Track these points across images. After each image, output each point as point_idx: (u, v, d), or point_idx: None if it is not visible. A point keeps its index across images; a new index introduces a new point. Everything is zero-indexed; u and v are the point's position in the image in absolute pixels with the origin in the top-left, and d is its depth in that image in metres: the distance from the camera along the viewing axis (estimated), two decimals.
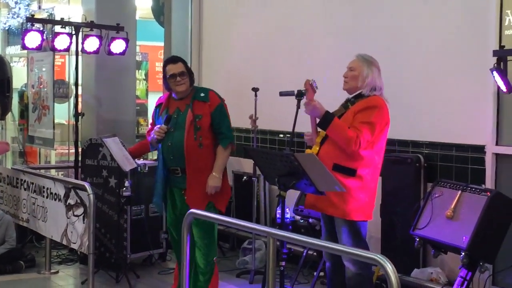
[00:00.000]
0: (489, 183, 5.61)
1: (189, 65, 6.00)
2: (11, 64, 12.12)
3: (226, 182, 5.89)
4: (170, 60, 5.96)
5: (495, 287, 5.55)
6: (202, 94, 5.82)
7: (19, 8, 12.24)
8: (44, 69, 9.23)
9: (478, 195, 5.12)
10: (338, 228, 5.04)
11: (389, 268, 3.38)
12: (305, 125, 5.14)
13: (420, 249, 5.89)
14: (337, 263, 5.11)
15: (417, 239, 5.42)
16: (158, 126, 5.86)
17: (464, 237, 5.01)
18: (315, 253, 6.69)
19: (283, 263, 4.67)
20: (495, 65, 5.15)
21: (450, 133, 5.97)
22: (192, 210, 4.98)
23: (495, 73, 5.15)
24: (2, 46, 13.29)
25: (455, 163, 5.91)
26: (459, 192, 5.23)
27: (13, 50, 12.88)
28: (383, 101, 5.06)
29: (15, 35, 12.02)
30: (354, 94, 5.10)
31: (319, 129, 5.11)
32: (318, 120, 5.04)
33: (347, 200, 4.93)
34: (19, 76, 11.94)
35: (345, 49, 6.56)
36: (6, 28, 12.79)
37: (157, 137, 5.82)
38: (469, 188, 5.21)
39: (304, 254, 6.71)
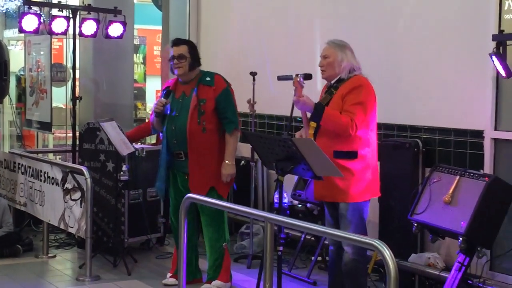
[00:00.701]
0: (488, 168, 5.59)
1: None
2: (9, 48, 12.09)
3: None
4: (173, 42, 5.99)
5: (492, 272, 5.54)
6: (208, 78, 5.82)
7: None
8: (42, 53, 9.19)
9: (476, 180, 5.11)
10: (342, 212, 5.05)
11: (387, 253, 3.38)
12: None
13: (418, 234, 5.87)
14: (340, 247, 5.15)
15: (415, 224, 5.42)
16: (158, 100, 5.90)
17: (462, 223, 5.01)
18: (312, 238, 6.68)
19: (281, 248, 4.67)
20: (494, 49, 5.13)
21: (449, 118, 5.95)
22: (189, 194, 4.98)
23: (494, 57, 5.12)
24: (0, 30, 13.23)
25: (454, 148, 5.89)
26: (457, 177, 5.22)
27: (11, 33, 12.82)
28: (366, 79, 5.11)
29: (13, 18, 11.95)
30: (335, 80, 5.12)
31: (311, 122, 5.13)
32: (309, 115, 5.05)
33: (352, 184, 4.99)
34: (17, 60, 11.90)
35: (343, 33, 6.51)
36: (4, 11, 12.73)
37: (155, 111, 5.85)
38: (467, 173, 5.20)
39: (302, 239, 6.71)
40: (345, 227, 5.02)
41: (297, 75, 5.05)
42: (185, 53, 5.85)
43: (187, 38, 8.70)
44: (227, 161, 5.82)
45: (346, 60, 5.10)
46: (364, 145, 5.02)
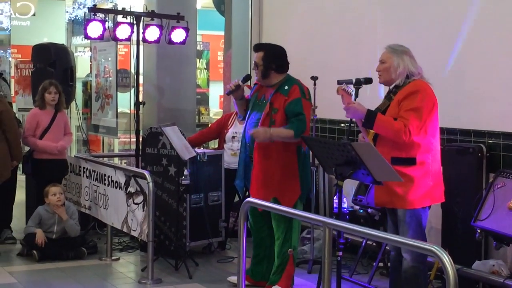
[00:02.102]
0: None
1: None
2: (76, 54, 12.38)
3: (296, 179, 5.82)
4: (253, 48, 6.11)
5: None
6: (285, 87, 5.80)
7: None
8: (109, 59, 9.37)
9: None
10: (400, 218, 5.00)
11: (446, 259, 3.33)
12: None
13: (482, 241, 5.76)
14: (401, 253, 5.09)
15: (479, 231, 5.33)
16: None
17: None
18: (374, 244, 6.62)
19: (340, 253, 4.63)
20: None
21: None
22: (249, 198, 5.00)
23: None
24: (68, 36, 13.54)
25: None
26: None
27: (79, 40, 13.12)
28: (425, 83, 5.03)
29: (80, 25, 12.21)
30: (394, 85, 5.06)
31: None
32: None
33: (411, 189, 4.93)
34: (84, 66, 12.17)
35: (404, 37, 6.45)
36: (72, 19, 13.03)
37: (228, 88, 5.99)
38: None
39: (363, 244, 6.65)
40: (403, 233, 4.96)
41: (339, 82, 5.06)
42: (258, 61, 5.87)
43: (249, 43, 8.75)
44: (270, 129, 5.70)
45: (403, 66, 5.02)
46: (423, 151, 4.93)
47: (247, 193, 6.15)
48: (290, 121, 5.72)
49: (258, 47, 6.04)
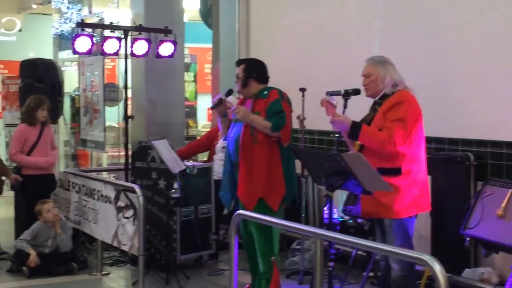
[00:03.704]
0: None
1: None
2: (64, 69, 12.36)
3: (280, 179, 5.87)
4: (236, 63, 6.21)
5: None
6: (265, 92, 5.93)
7: (71, 13, 12.46)
8: (96, 73, 9.37)
9: None
10: (387, 228, 5.04)
11: (437, 268, 3.35)
12: None
13: (471, 249, 5.80)
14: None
15: (468, 239, 5.34)
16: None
17: None
18: (364, 253, 6.64)
19: (331, 264, 4.65)
20: None
21: (500, 130, 5.86)
22: (240, 211, 5.01)
23: None
24: (55, 51, 13.53)
25: (506, 161, 5.80)
26: (510, 190, 5.12)
27: (66, 54, 13.11)
28: (409, 94, 5.08)
29: (67, 40, 12.21)
30: (380, 96, 5.11)
31: None
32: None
33: (396, 199, 4.96)
34: (71, 81, 12.15)
35: (393, 47, 6.51)
36: (59, 33, 13.02)
37: (212, 103, 6.19)
38: None
39: (353, 254, 6.66)
40: (390, 243, 4.98)
41: (327, 93, 5.11)
42: (239, 73, 5.99)
43: (237, 56, 8.78)
44: (253, 114, 5.80)
45: (389, 76, 5.09)
46: (409, 161, 4.97)
47: (236, 205, 6.16)
48: (270, 118, 5.79)
49: (240, 62, 6.21)
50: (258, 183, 5.84)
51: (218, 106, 6.12)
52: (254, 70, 6.00)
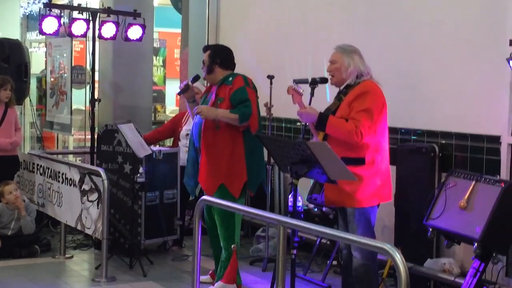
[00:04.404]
0: (504, 173, 5.55)
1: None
2: (31, 50, 12.22)
3: (242, 166, 5.87)
4: (202, 48, 6.20)
5: (508, 279, 5.50)
6: (230, 79, 5.93)
7: None
8: (65, 55, 9.28)
9: (492, 185, 5.06)
10: (350, 217, 5.06)
11: (398, 258, 3.38)
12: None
13: (434, 239, 5.85)
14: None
15: (430, 229, 5.39)
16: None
17: (477, 228, 4.96)
18: (328, 242, 6.67)
19: (295, 252, 4.66)
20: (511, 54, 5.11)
21: (465, 123, 5.92)
22: (204, 197, 5.01)
23: (511, 62, 5.09)
24: (23, 32, 13.36)
25: (470, 153, 5.86)
26: (473, 182, 5.17)
27: (33, 35, 12.95)
28: (374, 84, 5.09)
29: (35, 21, 12.07)
30: (344, 85, 5.11)
31: None
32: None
33: (359, 188, 4.98)
34: (38, 62, 12.02)
35: (361, 38, 6.51)
36: (27, 14, 12.86)
37: (179, 89, 6.20)
38: (483, 179, 5.15)
39: (318, 242, 6.70)
40: (352, 232, 5.01)
41: (295, 81, 5.12)
42: (205, 59, 5.99)
43: (206, 41, 8.75)
44: (216, 109, 5.79)
45: (353, 65, 5.08)
46: (372, 151, 5.00)
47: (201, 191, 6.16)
48: (236, 107, 5.78)
49: (206, 48, 6.21)
50: (219, 169, 5.84)
51: (185, 91, 6.13)
52: (219, 56, 5.99)
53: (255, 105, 5.86)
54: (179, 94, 6.34)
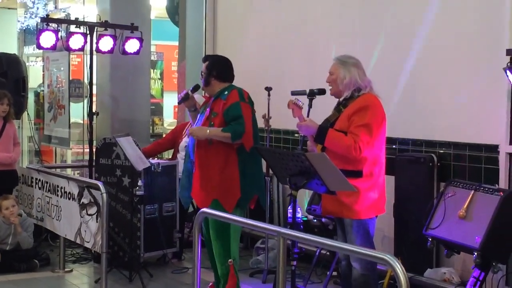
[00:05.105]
0: (503, 183, 5.56)
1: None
2: (28, 64, 12.24)
3: (235, 182, 5.80)
4: (202, 59, 6.18)
5: None
6: (225, 92, 5.86)
7: (37, 8, 12.34)
8: (62, 69, 9.30)
9: (491, 195, 5.07)
10: (348, 228, 5.06)
11: (398, 268, 3.37)
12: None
13: (433, 249, 5.86)
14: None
15: (430, 239, 5.39)
16: None
17: (476, 237, 4.97)
18: (328, 253, 6.67)
19: (294, 263, 4.67)
20: (509, 64, 5.12)
21: (464, 132, 5.93)
22: (203, 209, 4.98)
23: (508, 72, 5.11)
24: (20, 46, 13.39)
25: (469, 163, 5.87)
26: (472, 192, 5.19)
27: (30, 50, 12.98)
28: (375, 98, 5.07)
29: (32, 35, 12.09)
30: (343, 97, 5.10)
31: None
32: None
33: (357, 200, 4.97)
34: (36, 76, 12.03)
35: (360, 48, 6.54)
36: (24, 28, 12.89)
37: (179, 98, 6.21)
38: (482, 188, 5.17)
39: (317, 253, 6.69)
40: (351, 242, 4.99)
41: (293, 93, 5.13)
42: (203, 70, 5.97)
43: (203, 54, 8.75)
44: (207, 128, 5.75)
45: (349, 77, 5.05)
46: (370, 164, 4.98)
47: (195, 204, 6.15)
48: (229, 125, 5.76)
49: (205, 58, 6.18)
50: (212, 185, 5.78)
51: (186, 100, 6.13)
52: (216, 68, 5.94)
53: (249, 121, 5.78)
54: (179, 103, 6.33)
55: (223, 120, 5.76)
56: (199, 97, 6.74)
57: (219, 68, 5.97)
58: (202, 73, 5.98)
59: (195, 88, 6.19)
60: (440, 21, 6.21)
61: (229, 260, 5.84)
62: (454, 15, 6.09)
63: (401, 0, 6.61)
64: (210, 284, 6.26)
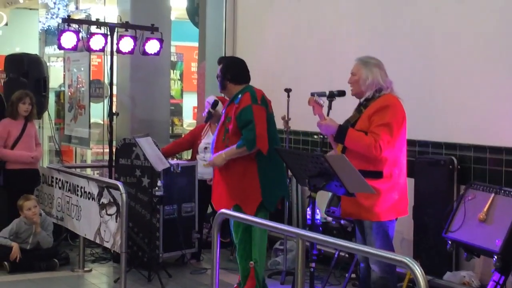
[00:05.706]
0: None
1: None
2: (49, 64, 12.31)
3: (256, 187, 5.81)
4: (217, 61, 6.16)
5: None
6: (239, 96, 5.83)
7: (58, 9, 12.42)
8: (82, 69, 9.35)
9: None
10: (367, 230, 5.04)
11: (418, 271, 3.36)
12: None
13: (453, 252, 5.83)
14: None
15: (450, 242, 5.37)
16: None
17: (497, 241, 4.95)
18: (347, 255, 6.65)
19: (313, 265, 4.66)
20: None
21: (484, 135, 5.90)
22: (222, 210, 4.99)
23: None
24: (41, 46, 13.48)
25: (489, 166, 5.83)
26: (492, 195, 5.16)
27: (51, 50, 13.06)
28: (395, 98, 5.05)
29: (53, 36, 12.17)
30: (364, 97, 5.09)
31: None
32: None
33: (377, 202, 4.95)
34: (57, 76, 12.11)
35: (378, 49, 6.51)
36: (45, 29, 12.97)
37: (204, 117, 6.57)
38: (502, 191, 5.14)
39: (336, 255, 6.67)
40: (370, 245, 4.98)
41: (312, 94, 5.11)
42: (218, 72, 5.95)
43: (223, 55, 8.76)
44: (221, 152, 5.75)
45: (371, 78, 5.04)
46: (390, 165, 4.96)
47: None
48: (241, 135, 5.73)
49: (220, 60, 6.15)
50: (232, 191, 5.79)
51: (211, 118, 6.33)
52: (230, 71, 5.91)
53: (262, 123, 5.75)
54: (206, 122, 6.79)
55: (236, 124, 5.75)
56: (220, 107, 6.78)
57: (233, 71, 5.93)
58: (218, 77, 5.97)
59: (215, 105, 6.29)
60: (460, 20, 6.17)
61: (250, 262, 5.86)
62: (476, 14, 6.05)
63: (419, 0, 6.58)
64: (235, 286, 6.25)
